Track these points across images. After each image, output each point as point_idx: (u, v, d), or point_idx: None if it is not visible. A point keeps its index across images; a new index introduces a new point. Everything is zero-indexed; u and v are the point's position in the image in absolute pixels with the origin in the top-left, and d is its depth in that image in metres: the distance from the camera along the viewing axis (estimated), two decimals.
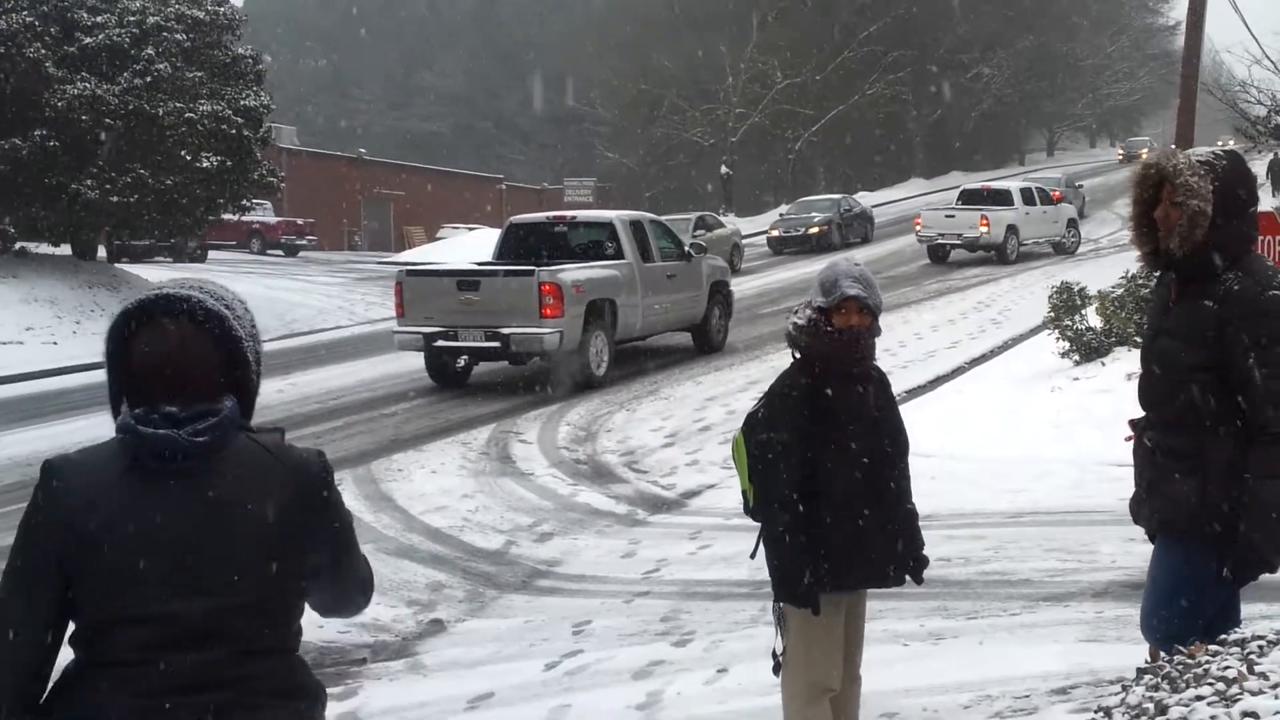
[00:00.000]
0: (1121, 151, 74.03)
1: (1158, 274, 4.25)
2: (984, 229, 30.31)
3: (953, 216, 31.35)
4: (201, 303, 2.48)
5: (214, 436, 2.40)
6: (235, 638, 2.42)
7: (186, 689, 2.37)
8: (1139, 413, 4.21)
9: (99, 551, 2.38)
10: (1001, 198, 32.07)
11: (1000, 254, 30.61)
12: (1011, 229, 30.97)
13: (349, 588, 2.72)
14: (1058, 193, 40.92)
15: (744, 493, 4.67)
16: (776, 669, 4.66)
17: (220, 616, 2.40)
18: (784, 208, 45.22)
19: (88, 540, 2.38)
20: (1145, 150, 71.02)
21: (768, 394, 4.49)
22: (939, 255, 31.48)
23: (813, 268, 31.97)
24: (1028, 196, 32.42)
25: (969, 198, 32.68)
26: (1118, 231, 37.06)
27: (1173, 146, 4.07)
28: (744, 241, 36.08)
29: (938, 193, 52.79)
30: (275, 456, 2.51)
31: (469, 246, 34.43)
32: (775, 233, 37.98)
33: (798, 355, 4.47)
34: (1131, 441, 4.23)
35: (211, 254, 38.89)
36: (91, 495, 2.40)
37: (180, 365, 2.44)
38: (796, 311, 4.49)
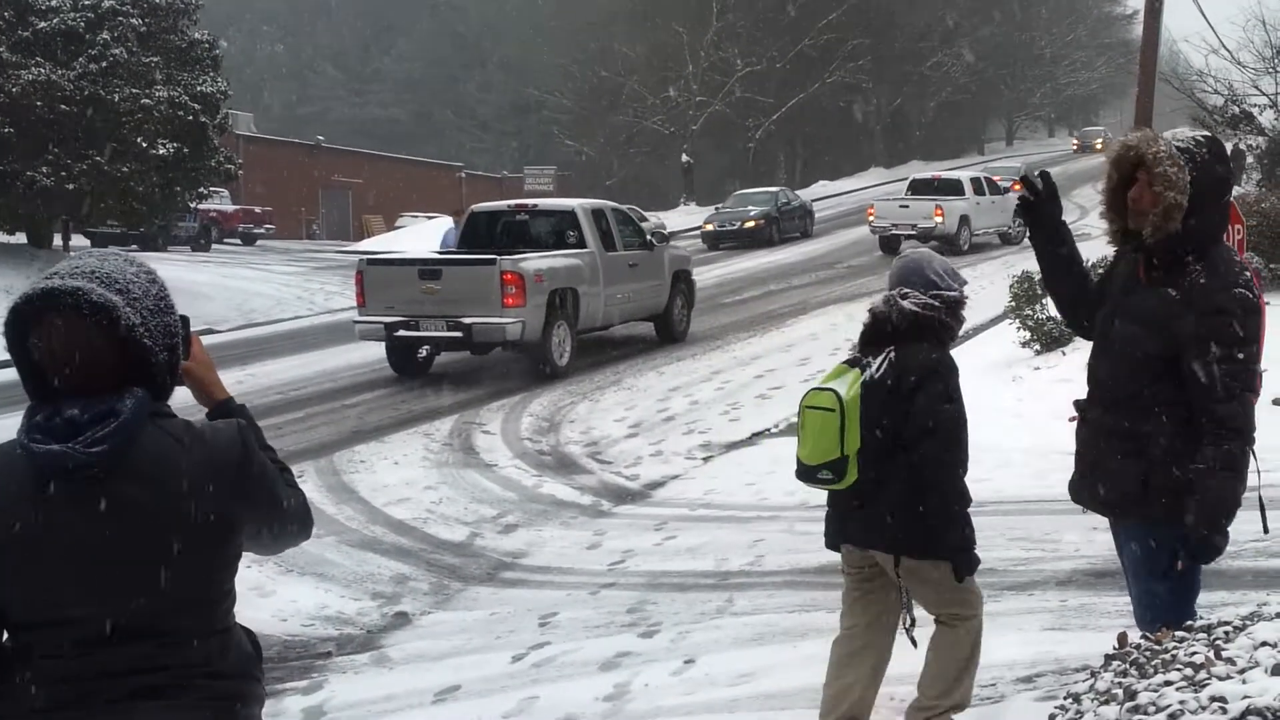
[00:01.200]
0: (1076, 141, 74.56)
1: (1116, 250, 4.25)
2: (939, 219, 30.20)
3: (907, 207, 31.03)
4: (88, 295, 2.36)
5: (113, 444, 2.33)
6: (160, 631, 2.41)
7: (114, 675, 2.37)
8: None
9: (7, 559, 2.36)
10: (953, 187, 31.81)
11: (952, 245, 30.29)
12: (964, 219, 30.90)
13: (285, 535, 2.68)
14: (1017, 183, 41.20)
15: (830, 463, 4.73)
16: (914, 642, 4.91)
17: (141, 614, 2.39)
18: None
19: None
20: (1100, 140, 71.78)
21: (940, 364, 4.68)
22: (891, 246, 30.88)
23: (772, 258, 32.05)
24: (978, 186, 32.21)
25: (919, 188, 32.27)
26: (1077, 220, 37.26)
27: (1151, 131, 4.04)
28: (675, 234, 36.04)
29: (896, 182, 52.99)
30: (188, 448, 2.44)
31: (429, 235, 34.27)
32: (709, 227, 37.02)
33: (937, 336, 4.75)
34: (1075, 423, 4.27)
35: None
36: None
37: (72, 365, 2.38)
38: (915, 297, 4.73)
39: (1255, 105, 26.98)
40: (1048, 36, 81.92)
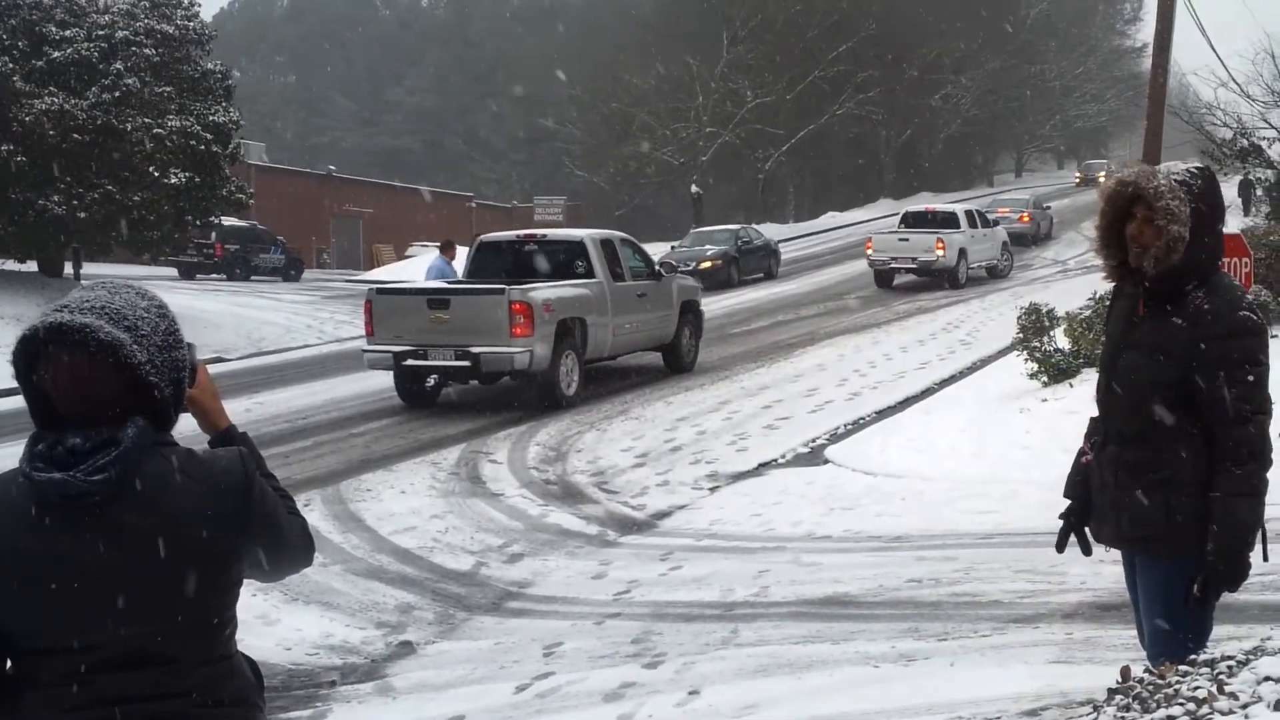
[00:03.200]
0: (1080, 175, 74.51)
1: (1114, 286, 4.25)
2: (940, 252, 29.66)
3: (906, 240, 30.39)
4: (95, 333, 2.38)
5: (114, 472, 2.35)
6: (161, 658, 2.42)
7: (116, 701, 2.39)
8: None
9: (9, 586, 2.38)
10: (949, 220, 31.19)
11: (952, 278, 29.95)
12: (963, 252, 30.38)
13: (286, 562, 2.69)
14: (1026, 214, 41.11)
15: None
16: None
17: (143, 641, 2.40)
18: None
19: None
20: (1103, 173, 71.97)
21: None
22: (885, 280, 30.63)
23: (780, 289, 32.09)
24: (971, 219, 31.67)
25: (913, 220, 31.61)
26: (1085, 253, 37.30)
27: (1143, 164, 4.05)
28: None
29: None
30: (189, 476, 2.46)
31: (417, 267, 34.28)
32: None
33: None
34: (1087, 460, 4.25)
35: (177, 271, 38.87)
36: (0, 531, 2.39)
37: (77, 397, 2.40)
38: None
39: (1264, 138, 26.98)
40: (1057, 69, 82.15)
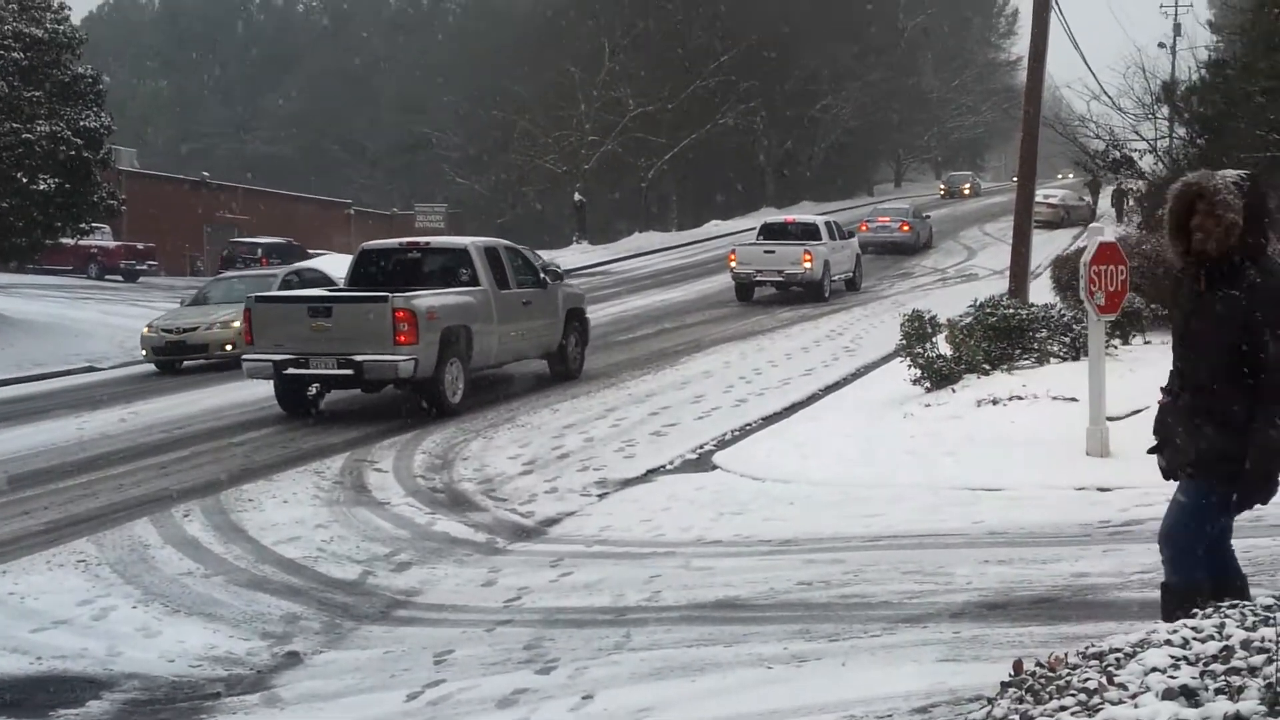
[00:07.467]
0: (943, 187, 76.09)
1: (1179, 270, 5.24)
2: (808, 265, 28.95)
3: (772, 252, 29.53)
4: None
5: None
6: None
7: None
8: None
9: None
10: (810, 232, 30.52)
11: (817, 291, 29.38)
12: (827, 265, 29.76)
13: None
14: (906, 224, 41.80)
15: None
16: None
17: None
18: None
19: None
20: (967, 185, 73.94)
21: None
22: (746, 294, 29.94)
23: (664, 296, 32.20)
24: (831, 230, 31.03)
25: (772, 232, 30.96)
26: (964, 261, 38.10)
27: (1204, 170, 5.29)
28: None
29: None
30: None
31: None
32: None
33: None
34: (1161, 400, 5.26)
35: (47, 279, 37.82)
36: None
37: None
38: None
39: (1135, 150, 27.83)
40: (934, 81, 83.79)
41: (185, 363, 22.16)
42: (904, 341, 14.59)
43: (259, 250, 43.27)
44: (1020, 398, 12.74)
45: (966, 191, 72.84)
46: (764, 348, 21.40)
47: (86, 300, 31.75)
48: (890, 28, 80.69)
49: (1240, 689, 3.26)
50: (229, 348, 21.36)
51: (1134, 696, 3.43)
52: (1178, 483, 5.16)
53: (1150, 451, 5.33)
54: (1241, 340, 4.84)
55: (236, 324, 21.29)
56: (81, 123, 25.38)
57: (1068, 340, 14.49)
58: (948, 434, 12.08)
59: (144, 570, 9.32)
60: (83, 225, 27.28)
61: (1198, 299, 5.03)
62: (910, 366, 14.42)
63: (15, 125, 23.50)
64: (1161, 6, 56.87)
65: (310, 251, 40.27)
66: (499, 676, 6.75)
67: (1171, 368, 5.23)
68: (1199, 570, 5.04)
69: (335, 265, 23.15)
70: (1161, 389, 5.32)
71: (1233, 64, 25.72)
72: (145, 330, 22.64)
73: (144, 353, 22.40)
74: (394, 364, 14.95)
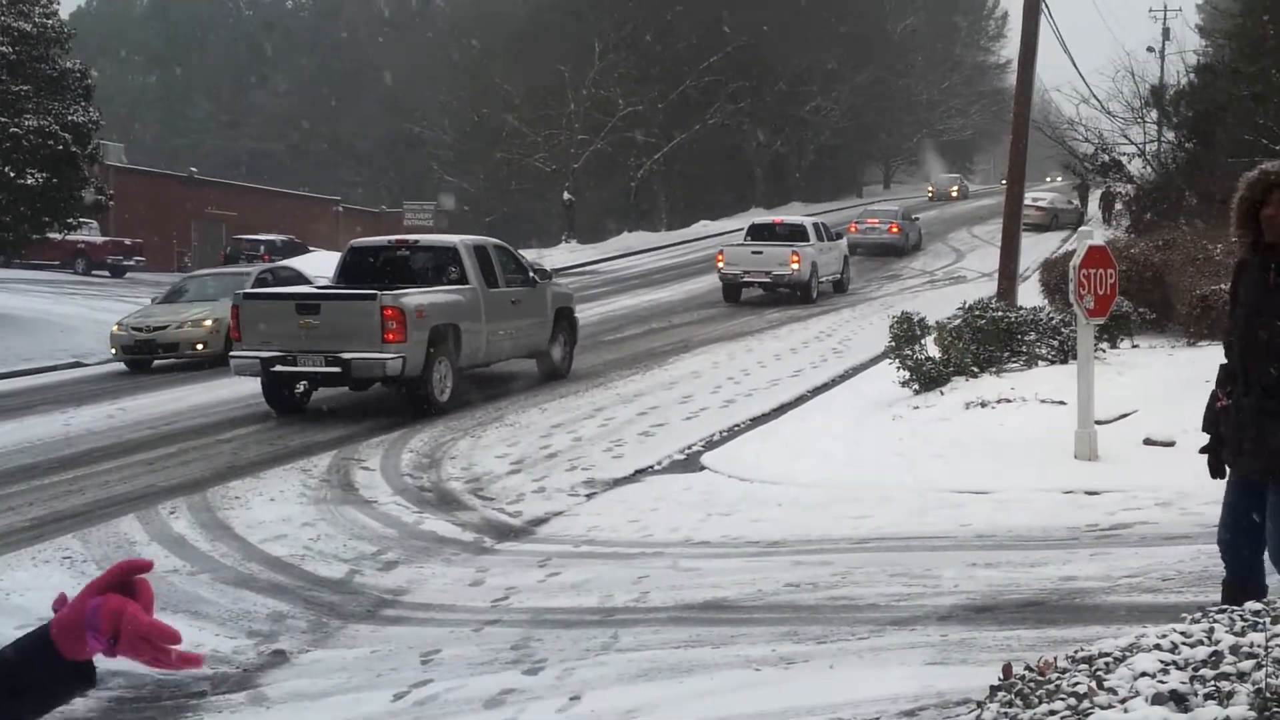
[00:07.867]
0: (931, 189, 75.87)
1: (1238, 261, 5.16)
2: (795, 265, 28.76)
3: (760, 253, 29.38)
4: None
5: None
6: None
7: None
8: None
9: None
10: (798, 233, 30.39)
11: (805, 293, 29.14)
12: (814, 266, 29.56)
13: None
14: (895, 225, 41.85)
15: None
16: None
17: None
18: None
19: None
20: (955, 188, 73.77)
21: None
22: (733, 295, 29.81)
23: (653, 296, 32.18)
24: (818, 231, 30.91)
25: (759, 233, 30.82)
26: (953, 264, 38.13)
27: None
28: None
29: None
30: None
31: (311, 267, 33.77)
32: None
33: None
34: (1222, 404, 5.08)
35: (34, 274, 37.66)
36: None
37: None
38: None
39: (1124, 154, 27.90)
40: (924, 83, 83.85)
41: (156, 362, 21.82)
42: (892, 343, 14.60)
43: (261, 247, 43.33)
44: (1009, 400, 12.76)
45: (954, 194, 72.87)
46: (752, 349, 21.40)
47: (73, 295, 31.63)
48: (879, 30, 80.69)
49: (1230, 694, 3.26)
50: (200, 347, 21.20)
51: (1123, 701, 3.43)
52: (1225, 482, 5.06)
53: (1202, 451, 5.23)
54: None
55: (208, 323, 21.25)
56: (69, 117, 25.31)
57: (1056, 343, 14.51)
58: (936, 436, 12.10)
59: None
60: (70, 220, 27.20)
61: (1267, 293, 4.87)
62: (899, 369, 14.43)
63: (3, 119, 23.43)
64: (1150, 11, 57.13)
65: (312, 249, 40.34)
66: (486, 677, 6.73)
67: (1224, 367, 5.07)
68: None
69: (311, 264, 23.10)
70: (1215, 392, 5.15)
71: (1221, 68, 25.81)
72: (115, 328, 22.10)
73: (113, 351, 21.92)
74: (382, 362, 14.91)
